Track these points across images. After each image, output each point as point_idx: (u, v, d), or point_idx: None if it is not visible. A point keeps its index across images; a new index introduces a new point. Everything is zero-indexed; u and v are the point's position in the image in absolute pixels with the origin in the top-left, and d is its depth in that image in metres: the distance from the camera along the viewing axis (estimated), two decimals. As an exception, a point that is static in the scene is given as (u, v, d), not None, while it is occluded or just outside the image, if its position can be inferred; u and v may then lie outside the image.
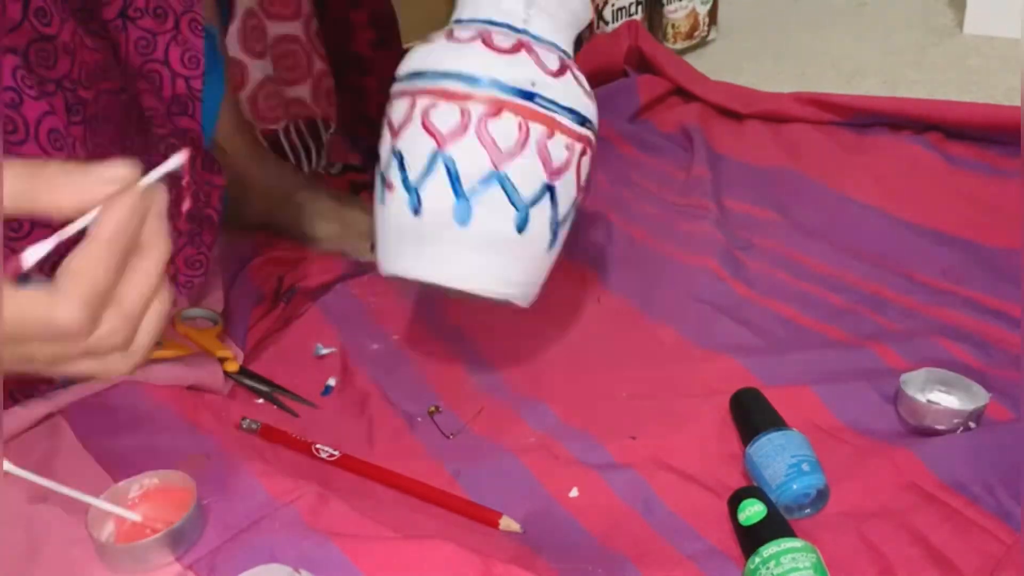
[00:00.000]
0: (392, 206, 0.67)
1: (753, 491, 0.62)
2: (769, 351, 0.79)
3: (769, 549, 0.56)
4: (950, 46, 1.38)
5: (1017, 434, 0.65)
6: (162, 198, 0.44)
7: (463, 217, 0.64)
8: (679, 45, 1.49)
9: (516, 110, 0.64)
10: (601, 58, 1.33)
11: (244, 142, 1.01)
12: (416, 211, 0.65)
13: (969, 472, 0.63)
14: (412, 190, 0.65)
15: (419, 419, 0.77)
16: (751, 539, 0.58)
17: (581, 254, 0.97)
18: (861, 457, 0.66)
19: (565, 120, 0.67)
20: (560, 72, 0.67)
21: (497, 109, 0.64)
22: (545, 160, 0.65)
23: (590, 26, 1.39)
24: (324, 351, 0.86)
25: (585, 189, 0.71)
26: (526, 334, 0.86)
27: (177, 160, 0.44)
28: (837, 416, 0.70)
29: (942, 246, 0.90)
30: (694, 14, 1.49)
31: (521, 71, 0.65)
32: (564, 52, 0.70)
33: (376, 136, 0.71)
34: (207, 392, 0.78)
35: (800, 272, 0.90)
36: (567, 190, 0.68)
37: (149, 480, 0.60)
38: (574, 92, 0.68)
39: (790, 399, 0.70)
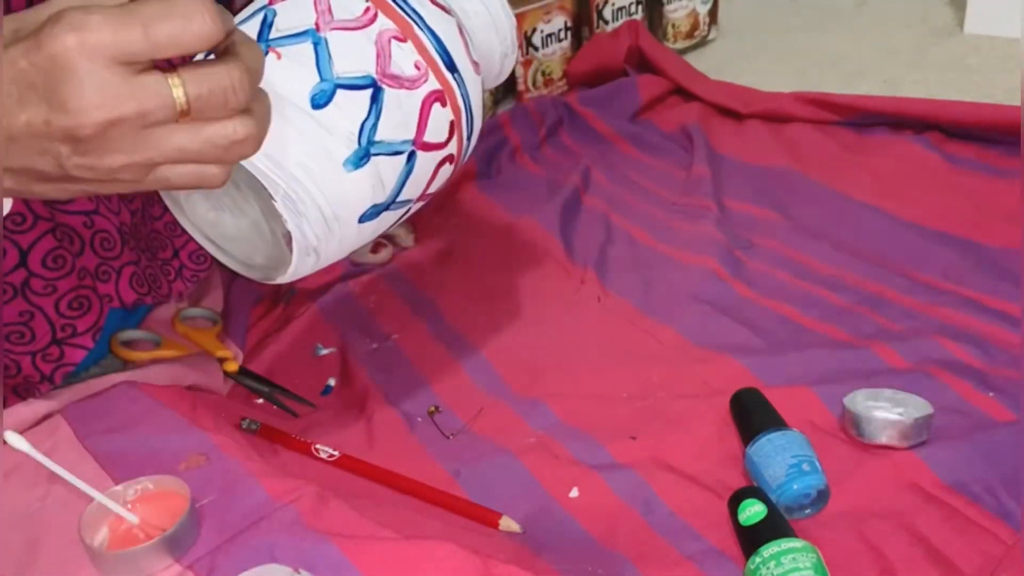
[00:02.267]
0: None
1: (753, 491, 0.62)
2: (769, 351, 0.79)
3: (769, 549, 0.56)
4: (950, 46, 1.38)
5: (1017, 434, 0.65)
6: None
7: (320, 101, 0.54)
8: (679, 45, 1.49)
9: (425, 53, 0.57)
10: (601, 58, 1.33)
11: None
12: None
13: (969, 472, 0.63)
14: None
15: (419, 419, 0.77)
16: (751, 539, 0.58)
17: (582, 253, 0.98)
18: (861, 457, 0.66)
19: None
20: (445, 11, 0.60)
21: (404, 38, 0.56)
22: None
23: (590, 25, 1.39)
24: (324, 351, 0.86)
25: (438, 149, 0.59)
26: (526, 334, 0.86)
27: None
28: (837, 416, 0.70)
29: (942, 246, 0.90)
30: (694, 14, 1.49)
31: (450, 32, 0.58)
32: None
33: None
34: (207, 392, 0.78)
35: (800, 272, 0.90)
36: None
37: (143, 484, 0.60)
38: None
39: (790, 399, 0.70)
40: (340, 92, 0.55)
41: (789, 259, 0.92)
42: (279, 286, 0.95)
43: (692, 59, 1.41)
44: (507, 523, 0.64)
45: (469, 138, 0.62)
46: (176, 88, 0.39)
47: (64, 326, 0.69)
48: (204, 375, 0.78)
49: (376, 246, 0.98)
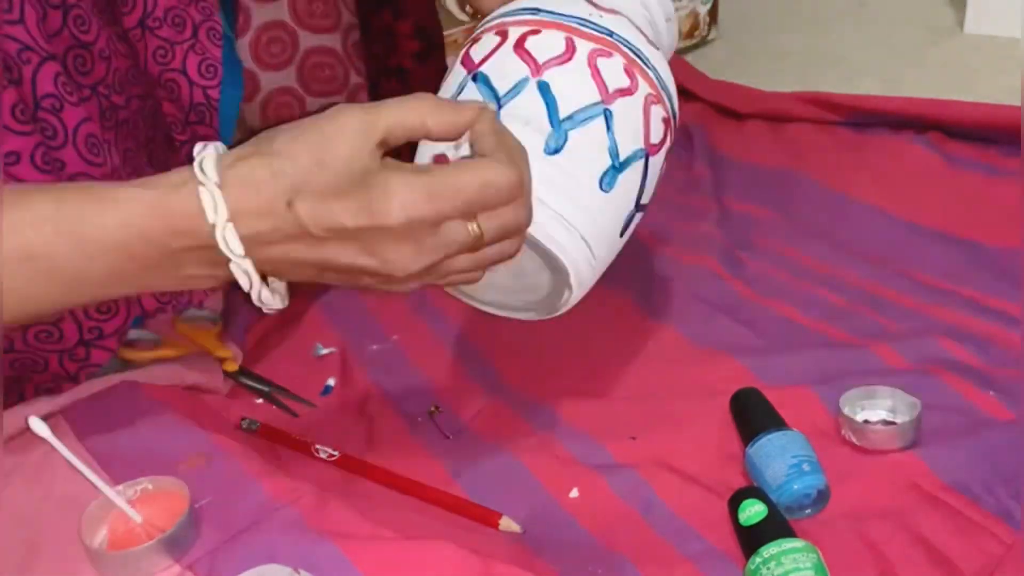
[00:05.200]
0: None
1: (754, 491, 0.62)
2: (769, 351, 0.79)
3: (770, 549, 0.56)
4: (950, 46, 1.38)
5: (1017, 434, 0.65)
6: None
7: (555, 146, 0.58)
8: (679, 45, 1.49)
9: (627, 58, 0.61)
10: (601, 58, 1.33)
11: None
12: None
13: (969, 472, 0.63)
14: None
15: (419, 419, 0.77)
16: (751, 539, 0.58)
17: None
18: (861, 457, 0.66)
19: (663, 95, 0.63)
20: (657, 49, 0.65)
21: (609, 52, 0.60)
22: (647, 122, 0.61)
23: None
24: (324, 351, 0.86)
25: (655, 149, 0.64)
26: (526, 334, 0.86)
27: None
28: (837, 416, 0.70)
29: (942, 246, 0.90)
30: (694, 14, 1.49)
31: (630, 31, 0.63)
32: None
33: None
34: (207, 392, 0.78)
35: (800, 272, 0.90)
36: (655, 172, 0.63)
37: (143, 485, 0.60)
38: (669, 76, 0.65)
39: (790, 399, 0.70)
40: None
41: (789, 259, 0.92)
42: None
43: (692, 59, 1.41)
44: (507, 523, 0.64)
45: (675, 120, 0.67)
46: (473, 230, 0.45)
47: (91, 328, 0.71)
48: (204, 375, 0.78)
49: None
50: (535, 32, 0.60)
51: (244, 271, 0.45)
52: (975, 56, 1.33)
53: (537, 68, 0.59)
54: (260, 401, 0.80)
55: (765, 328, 0.83)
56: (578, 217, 0.59)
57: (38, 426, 0.55)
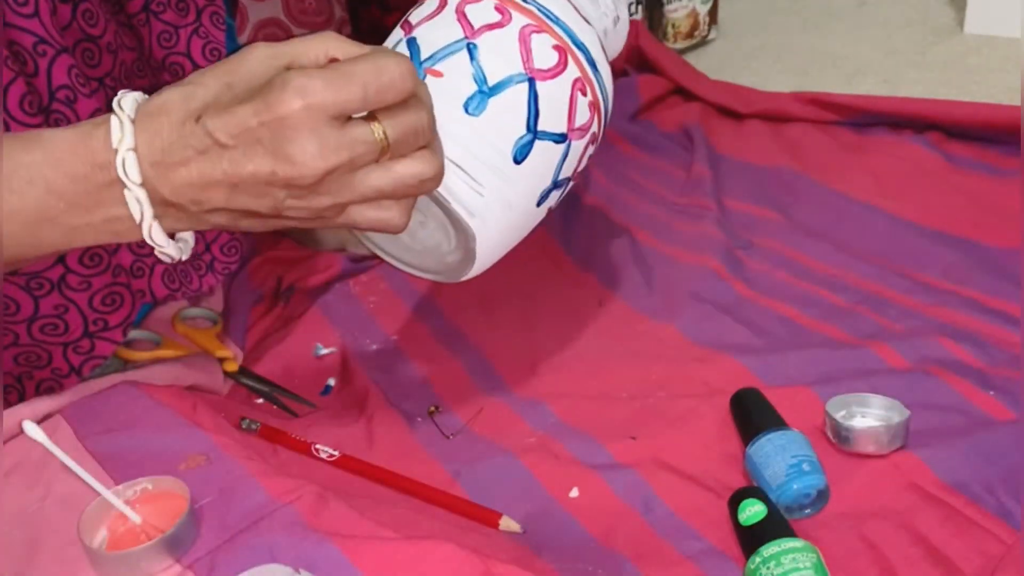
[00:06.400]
0: None
1: (753, 491, 0.62)
2: (769, 351, 0.79)
3: (769, 549, 0.56)
4: (950, 46, 1.38)
5: (1017, 434, 0.65)
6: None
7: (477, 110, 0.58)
8: (679, 44, 1.49)
9: (554, 35, 0.61)
10: (601, 58, 1.33)
11: None
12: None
13: (969, 472, 0.63)
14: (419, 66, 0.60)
15: (419, 419, 0.77)
16: (751, 539, 0.58)
17: (582, 253, 0.98)
18: (861, 457, 0.66)
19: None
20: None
21: (539, 28, 0.60)
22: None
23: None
24: (324, 351, 0.86)
25: (578, 133, 0.63)
26: (526, 334, 0.86)
27: None
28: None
29: (942, 246, 0.90)
30: (694, 13, 1.48)
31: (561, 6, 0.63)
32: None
33: None
34: (207, 392, 0.78)
35: (800, 272, 0.90)
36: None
37: (143, 485, 0.60)
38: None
39: (790, 399, 0.70)
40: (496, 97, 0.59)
41: (789, 259, 0.92)
42: (278, 286, 0.95)
43: (692, 59, 1.40)
44: (507, 523, 0.64)
45: (606, 117, 0.66)
46: (378, 132, 0.45)
47: (96, 320, 0.71)
48: (204, 375, 0.78)
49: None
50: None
51: (136, 199, 0.45)
52: (975, 56, 1.33)
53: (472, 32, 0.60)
54: (260, 401, 0.80)
55: (765, 328, 0.83)
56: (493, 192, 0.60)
57: (33, 431, 0.55)
